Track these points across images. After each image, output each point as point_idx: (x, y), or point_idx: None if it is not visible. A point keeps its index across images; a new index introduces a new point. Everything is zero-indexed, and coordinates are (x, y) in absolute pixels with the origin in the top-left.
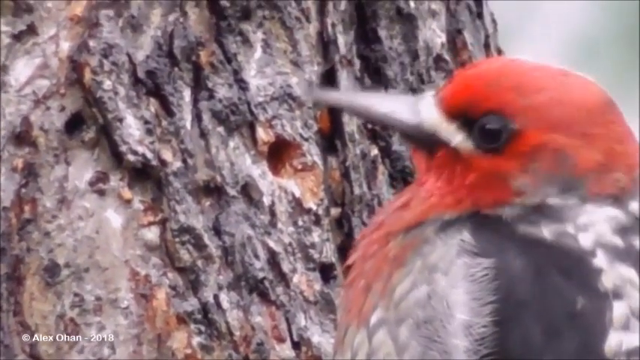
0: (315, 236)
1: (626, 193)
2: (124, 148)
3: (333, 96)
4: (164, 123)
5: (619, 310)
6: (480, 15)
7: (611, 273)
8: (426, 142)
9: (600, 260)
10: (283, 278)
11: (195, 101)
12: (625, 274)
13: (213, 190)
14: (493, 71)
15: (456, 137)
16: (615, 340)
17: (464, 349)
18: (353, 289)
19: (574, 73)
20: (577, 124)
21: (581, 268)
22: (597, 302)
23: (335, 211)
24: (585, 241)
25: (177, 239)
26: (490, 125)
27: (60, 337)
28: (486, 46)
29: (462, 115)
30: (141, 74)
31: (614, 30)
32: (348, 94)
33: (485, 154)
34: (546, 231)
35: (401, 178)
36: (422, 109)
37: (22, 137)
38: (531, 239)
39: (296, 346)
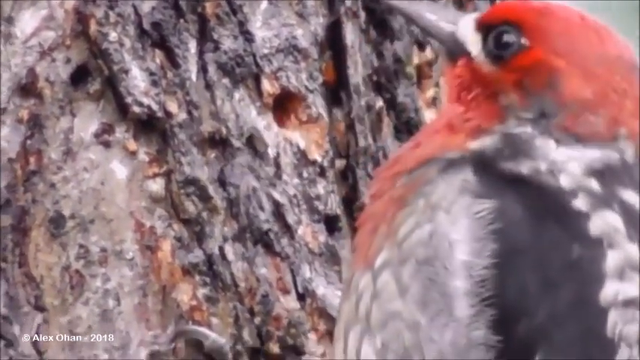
0: (320, 188)
1: (597, 139)
2: (129, 99)
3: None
4: (169, 75)
5: (614, 259)
6: None
7: (597, 219)
8: (455, 51)
9: (581, 203)
10: (288, 230)
11: (201, 53)
12: (610, 221)
13: (218, 142)
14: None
15: (476, 47)
16: (612, 289)
17: (464, 291)
18: (361, 232)
19: (610, 28)
20: (583, 57)
21: (569, 212)
22: (592, 251)
23: (340, 163)
24: (565, 181)
25: (182, 191)
26: (504, 35)
27: (65, 289)
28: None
29: (486, 26)
30: (146, 26)
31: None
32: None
33: (492, 64)
34: (524, 168)
35: (406, 130)
36: (461, 21)
37: (27, 89)
38: (513, 176)
39: (301, 297)
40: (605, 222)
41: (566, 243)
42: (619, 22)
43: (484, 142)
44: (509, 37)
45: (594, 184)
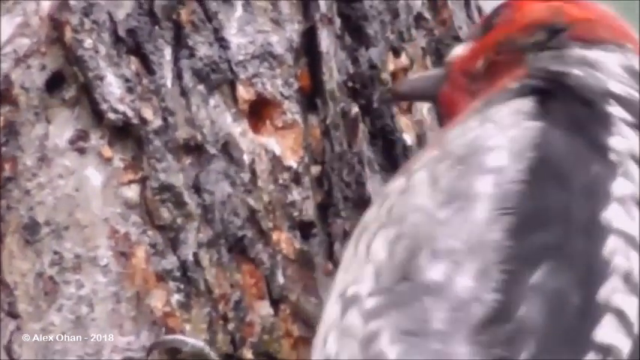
0: (295, 194)
1: (607, 42)
2: (104, 106)
3: None
4: (145, 81)
5: (622, 186)
6: None
7: (618, 139)
8: None
9: (615, 109)
10: (263, 236)
11: (176, 60)
12: (629, 144)
13: (193, 149)
14: None
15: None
16: (612, 213)
17: (488, 195)
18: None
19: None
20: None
21: (599, 124)
22: (606, 172)
23: (315, 169)
24: (613, 86)
25: (157, 197)
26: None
27: (39, 295)
28: (466, 4)
29: None
30: (122, 33)
31: None
32: None
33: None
34: (573, 69)
35: (381, 136)
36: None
37: (2, 95)
38: (561, 83)
39: (275, 304)
40: (625, 143)
41: (589, 159)
42: None
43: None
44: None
45: (628, 79)
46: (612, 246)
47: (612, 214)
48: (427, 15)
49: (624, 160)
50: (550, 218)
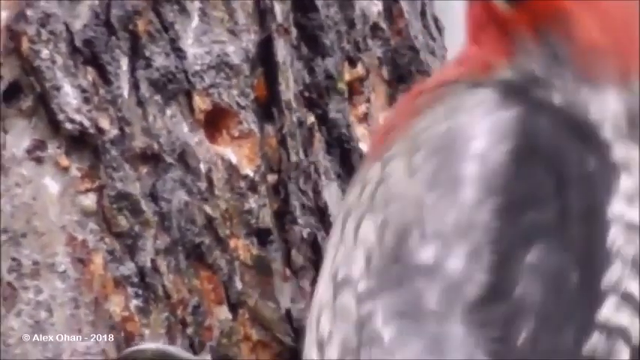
0: (252, 202)
1: (609, 81)
2: (61, 116)
3: None
4: (101, 91)
5: (626, 183)
6: None
7: (619, 148)
8: None
9: (608, 133)
10: (220, 243)
11: (133, 70)
12: (632, 154)
13: (150, 158)
14: None
15: None
16: (618, 208)
17: (474, 177)
18: (375, 136)
19: None
20: (603, 11)
21: (594, 137)
22: (607, 170)
23: (271, 178)
24: (595, 113)
25: (114, 205)
26: None
27: None
28: (423, 14)
29: None
30: (78, 43)
31: None
32: None
33: (511, 5)
34: (555, 98)
35: (337, 145)
36: None
37: None
38: (544, 103)
39: (233, 308)
40: (627, 152)
41: (585, 155)
42: None
43: (505, 74)
44: None
45: (622, 122)
46: (617, 234)
47: (617, 210)
48: (383, 25)
49: (628, 163)
50: (541, 200)
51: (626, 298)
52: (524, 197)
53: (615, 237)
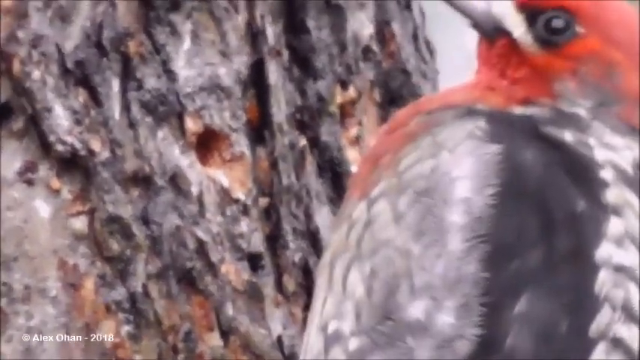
0: (244, 226)
1: None
2: (52, 138)
3: None
4: (93, 113)
5: (615, 225)
6: (407, 6)
7: (616, 190)
8: (490, 30)
9: (607, 174)
10: (212, 268)
11: (124, 91)
12: (628, 197)
13: (141, 180)
14: None
15: (519, 29)
16: (606, 251)
17: (460, 226)
18: (363, 164)
19: None
20: (637, 49)
21: (589, 176)
22: (597, 211)
23: (263, 201)
24: (600, 155)
25: (105, 229)
26: (556, 21)
27: None
28: (414, 37)
29: (532, 7)
30: (70, 64)
31: None
32: None
33: (542, 49)
34: (568, 135)
35: (329, 168)
36: (495, 0)
37: None
38: (550, 139)
39: (224, 335)
40: (622, 195)
41: (573, 195)
42: None
43: (531, 110)
44: (559, 23)
45: (629, 169)
46: (605, 278)
47: (605, 251)
48: (375, 48)
49: (621, 206)
50: (527, 245)
51: (616, 343)
52: (511, 244)
53: (603, 281)
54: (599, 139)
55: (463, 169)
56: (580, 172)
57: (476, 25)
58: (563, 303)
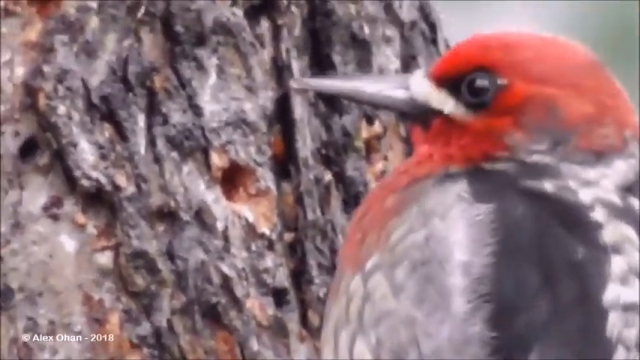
0: (269, 261)
1: (614, 150)
2: (77, 173)
3: (320, 82)
4: (118, 148)
5: (618, 264)
6: (434, 41)
7: (611, 228)
8: (419, 114)
9: (599, 215)
10: (236, 303)
11: (150, 126)
12: (624, 232)
13: (166, 215)
14: (478, 39)
15: (448, 104)
16: (613, 293)
17: (461, 288)
18: (348, 243)
19: (564, 38)
20: (565, 76)
21: (582, 221)
22: (597, 254)
23: (288, 236)
24: (584, 196)
25: (130, 264)
26: (478, 82)
27: None
28: None
29: (450, 79)
30: (95, 99)
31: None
32: (335, 79)
33: (476, 113)
34: (548, 185)
35: (354, 203)
36: (411, 84)
37: None
38: (533, 192)
39: None
40: (617, 231)
41: (571, 244)
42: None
43: (500, 166)
44: (482, 82)
45: (616, 199)
46: (615, 320)
47: (612, 292)
48: None
49: (620, 243)
50: (531, 298)
51: None
52: (514, 300)
53: (614, 323)
54: (577, 180)
55: (457, 233)
56: (571, 219)
57: (403, 114)
58: (575, 350)
